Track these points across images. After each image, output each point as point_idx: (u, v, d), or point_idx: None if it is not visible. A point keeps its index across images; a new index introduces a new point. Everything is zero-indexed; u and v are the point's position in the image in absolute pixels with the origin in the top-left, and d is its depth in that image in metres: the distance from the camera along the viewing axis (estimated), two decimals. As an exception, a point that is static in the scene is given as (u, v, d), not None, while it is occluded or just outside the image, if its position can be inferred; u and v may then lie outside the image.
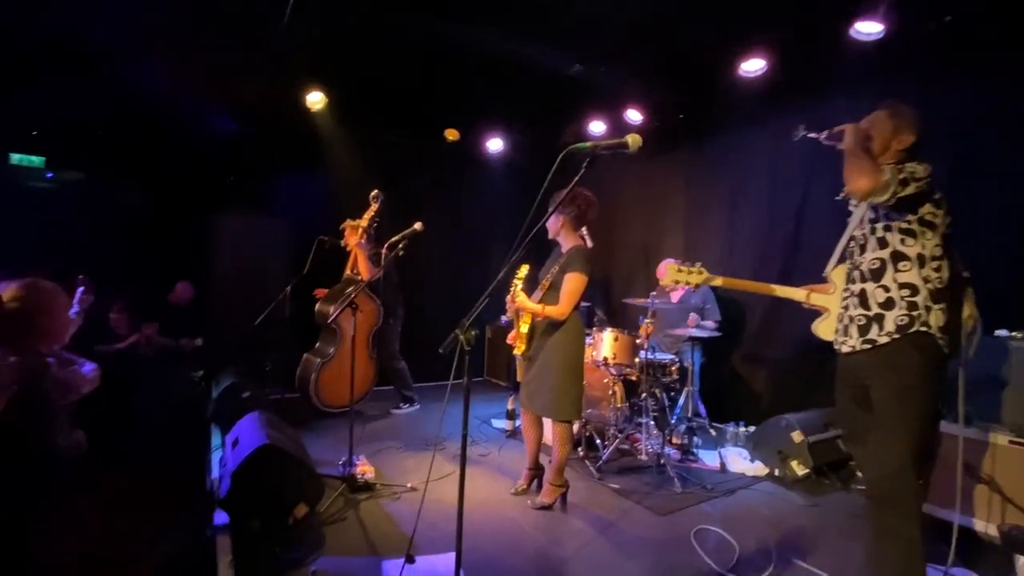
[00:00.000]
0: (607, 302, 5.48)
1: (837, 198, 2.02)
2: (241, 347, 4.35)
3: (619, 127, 4.79)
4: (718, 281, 2.24)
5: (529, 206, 1.76)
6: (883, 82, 3.49)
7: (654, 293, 3.70)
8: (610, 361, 3.54)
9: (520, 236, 1.71)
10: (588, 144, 1.45)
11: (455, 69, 4.26)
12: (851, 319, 1.90)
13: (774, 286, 2.19)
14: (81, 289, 2.85)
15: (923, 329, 1.75)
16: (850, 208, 2.05)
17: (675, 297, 4.20)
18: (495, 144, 5.78)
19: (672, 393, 3.81)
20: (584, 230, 2.91)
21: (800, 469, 3.22)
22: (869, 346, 1.82)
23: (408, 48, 3.95)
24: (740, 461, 3.54)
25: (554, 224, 2.81)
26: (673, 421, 3.77)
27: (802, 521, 2.80)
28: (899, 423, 1.75)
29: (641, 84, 4.42)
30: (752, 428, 3.73)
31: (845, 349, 1.90)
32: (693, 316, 3.94)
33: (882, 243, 1.84)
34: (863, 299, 1.86)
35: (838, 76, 3.62)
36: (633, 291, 4.94)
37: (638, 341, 3.57)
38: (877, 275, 1.83)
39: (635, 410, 3.61)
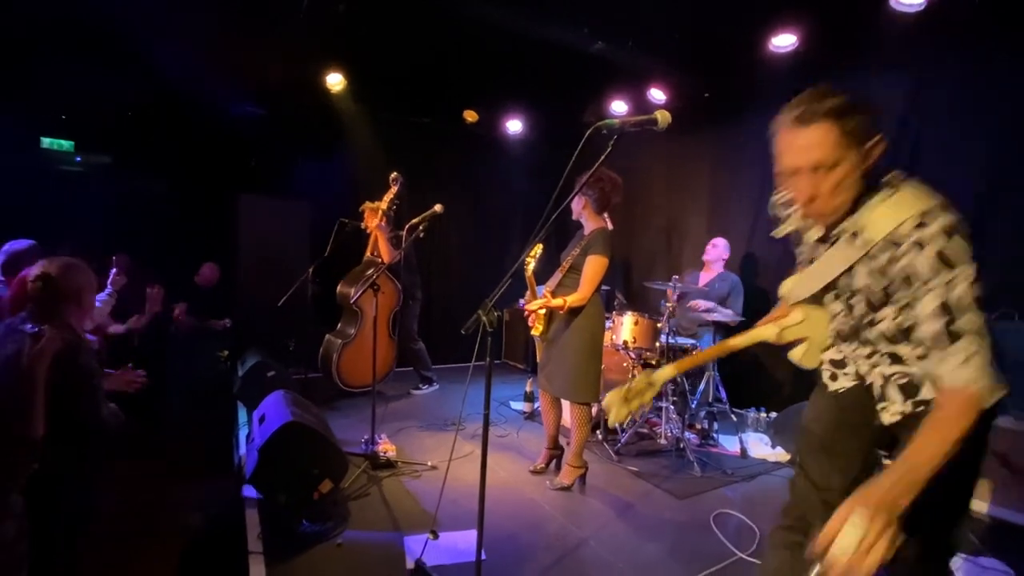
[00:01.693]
0: (627, 286, 5.43)
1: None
2: (265, 327, 4.44)
3: (642, 107, 4.69)
4: (668, 375, 1.60)
5: (548, 188, 1.74)
6: (922, 59, 3.35)
7: (676, 277, 3.65)
8: (630, 345, 3.52)
9: (544, 216, 1.69)
10: (616, 121, 1.41)
11: (474, 49, 4.20)
12: (885, 378, 1.36)
13: (731, 343, 1.62)
14: (114, 271, 2.92)
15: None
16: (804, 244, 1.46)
17: (705, 278, 4.14)
18: (514, 126, 5.72)
19: (692, 378, 3.79)
20: (606, 213, 2.87)
21: (823, 455, 3.17)
22: (922, 408, 1.29)
23: (427, 28, 3.90)
24: (761, 447, 3.52)
25: (577, 205, 2.78)
26: (693, 406, 3.75)
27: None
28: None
29: (665, 62, 4.30)
30: (773, 414, 3.69)
31: (887, 418, 1.35)
32: (698, 302, 3.87)
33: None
34: (896, 359, 1.35)
35: (875, 52, 3.47)
36: (654, 275, 4.89)
37: (659, 325, 3.54)
38: (910, 334, 1.28)
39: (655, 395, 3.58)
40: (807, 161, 1.16)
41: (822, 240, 1.33)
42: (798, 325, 1.53)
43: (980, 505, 2.58)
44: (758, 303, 4.19)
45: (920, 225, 1.10)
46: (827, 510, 1.33)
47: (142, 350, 4.01)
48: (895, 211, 1.14)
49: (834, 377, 1.49)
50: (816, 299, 1.43)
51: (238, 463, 2.96)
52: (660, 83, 4.52)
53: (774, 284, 4.19)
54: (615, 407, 1.52)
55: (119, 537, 2.25)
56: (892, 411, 1.35)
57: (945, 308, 1.09)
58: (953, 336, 1.08)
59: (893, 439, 1.38)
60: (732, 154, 4.60)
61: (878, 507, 0.96)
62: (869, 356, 1.39)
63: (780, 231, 1.50)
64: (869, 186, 1.18)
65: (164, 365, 4.07)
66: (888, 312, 1.28)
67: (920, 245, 1.10)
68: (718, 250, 4.13)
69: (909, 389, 1.33)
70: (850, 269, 1.28)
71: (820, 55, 3.66)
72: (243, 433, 3.27)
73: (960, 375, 1.07)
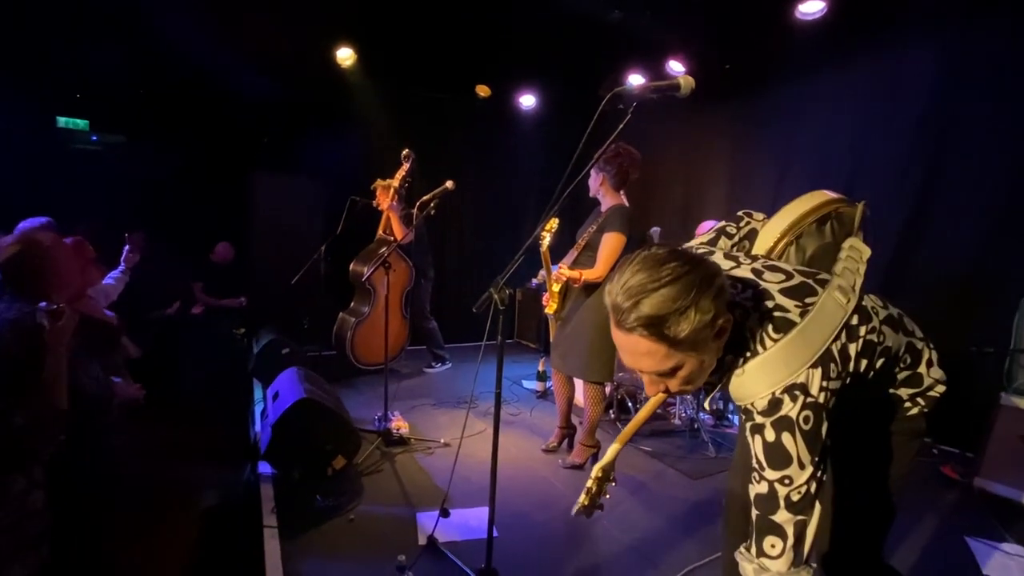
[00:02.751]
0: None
1: None
2: (279, 305, 4.47)
3: (660, 79, 4.52)
4: (612, 454, 1.60)
5: (562, 163, 1.67)
6: (957, 27, 3.15)
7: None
8: (644, 324, 3.46)
9: (558, 191, 1.63)
10: (635, 87, 1.34)
11: (486, 21, 4.08)
12: None
13: (642, 415, 1.66)
14: (127, 248, 2.94)
15: None
16: None
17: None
18: (528, 100, 5.59)
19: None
20: (623, 190, 2.79)
21: (840, 438, 3.12)
22: None
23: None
24: (777, 428, 3.47)
25: (594, 182, 2.70)
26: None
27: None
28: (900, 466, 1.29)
29: (684, 31, 4.13)
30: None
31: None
32: None
33: None
34: None
35: (910, 20, 3.28)
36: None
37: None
38: None
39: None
40: (641, 367, 1.01)
41: None
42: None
43: (1007, 491, 2.51)
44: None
45: (765, 412, 1.00)
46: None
47: (161, 331, 4.08)
48: (754, 385, 1.02)
49: None
50: None
51: (253, 439, 3.01)
52: (679, 54, 4.35)
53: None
54: (588, 502, 1.52)
55: (136, 511, 2.30)
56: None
57: (772, 498, 0.99)
58: (768, 528, 1.00)
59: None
60: (753, 129, 4.44)
61: None
62: None
63: None
64: (732, 351, 1.05)
65: (179, 342, 4.13)
66: None
67: (759, 432, 1.00)
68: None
69: None
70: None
71: (849, 23, 3.48)
72: (258, 409, 3.31)
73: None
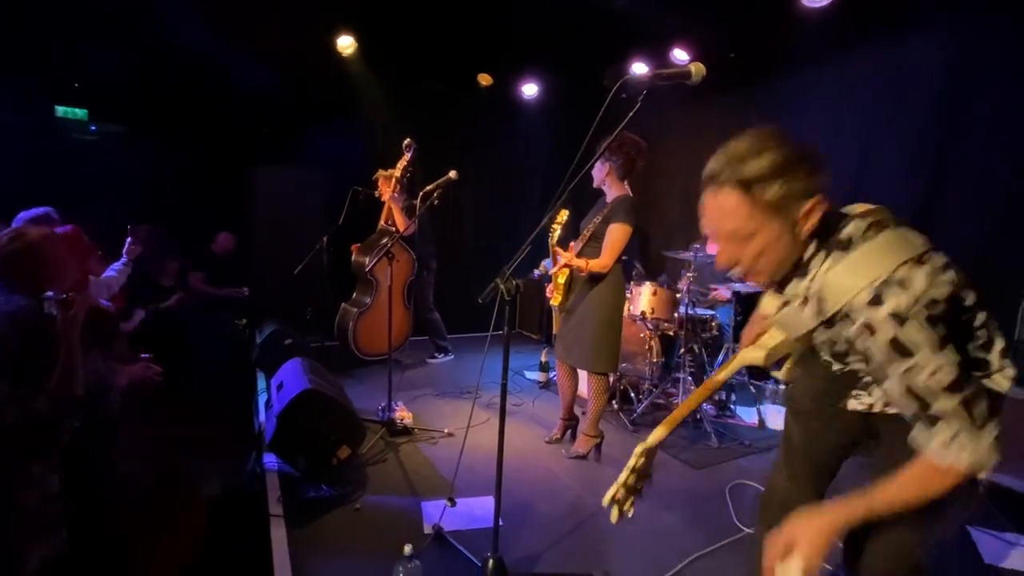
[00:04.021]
0: (646, 255, 5.33)
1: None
2: (282, 296, 4.46)
3: (664, 68, 4.49)
4: (659, 437, 1.51)
5: (566, 153, 1.66)
6: (968, 17, 3.11)
7: (696, 245, 3.56)
8: (648, 315, 3.46)
9: (564, 182, 1.62)
10: (645, 75, 1.32)
11: (488, 9, 4.03)
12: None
13: (717, 378, 1.56)
14: (129, 240, 2.93)
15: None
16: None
17: (711, 249, 4.04)
18: (530, 89, 5.54)
19: (710, 349, 3.73)
20: (627, 180, 2.77)
21: (843, 428, 3.13)
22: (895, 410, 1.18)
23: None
24: (779, 418, 3.47)
25: (600, 172, 2.68)
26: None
27: (841, 479, 2.74)
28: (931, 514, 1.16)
29: (689, 19, 4.08)
30: (793, 386, 3.63)
31: (854, 405, 1.28)
32: (721, 292, 3.80)
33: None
34: None
35: (918, 11, 3.24)
36: (674, 244, 4.78)
37: (678, 295, 3.47)
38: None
39: (672, 365, 3.56)
40: (720, 228, 1.04)
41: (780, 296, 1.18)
42: (782, 344, 1.39)
43: (1010, 481, 2.53)
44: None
45: (873, 302, 0.95)
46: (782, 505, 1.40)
47: (162, 321, 4.08)
48: (850, 277, 0.99)
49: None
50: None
51: (258, 429, 3.01)
52: (683, 43, 4.30)
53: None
54: (621, 504, 1.41)
55: (141, 502, 2.31)
56: (862, 401, 1.26)
57: (913, 394, 0.97)
58: (931, 420, 0.97)
59: (874, 430, 1.30)
60: (758, 119, 4.39)
61: (819, 533, 1.00)
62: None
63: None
64: (821, 244, 1.04)
65: (182, 334, 4.13)
66: (857, 363, 1.17)
67: (871, 330, 0.96)
68: None
69: None
70: (809, 337, 1.14)
71: (856, 13, 3.43)
72: (262, 400, 3.31)
73: (944, 455, 0.97)
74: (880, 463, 1.23)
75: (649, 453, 1.44)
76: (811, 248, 1.04)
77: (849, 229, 1.03)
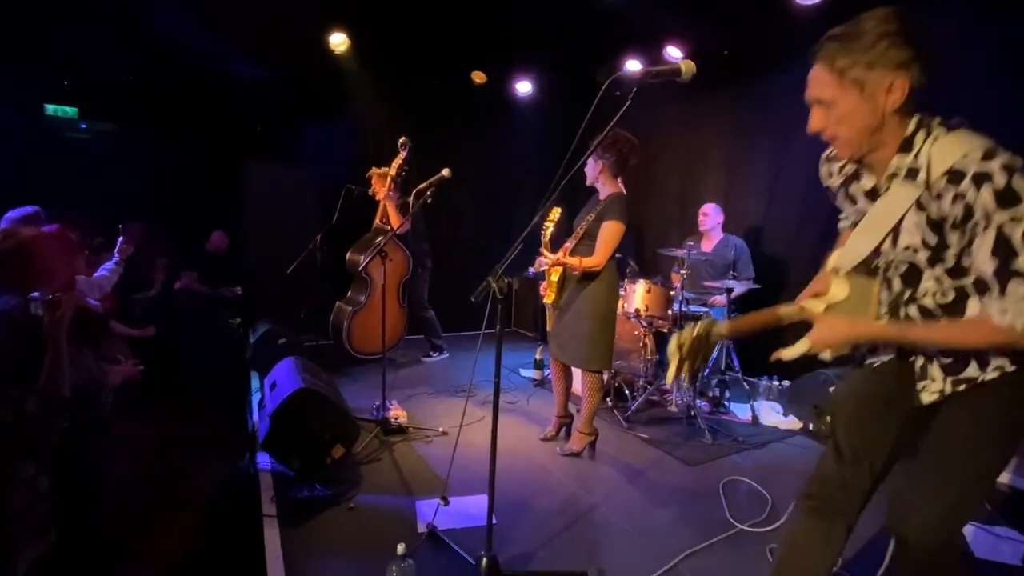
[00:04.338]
0: (639, 253, 5.34)
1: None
2: (276, 295, 4.45)
3: (658, 65, 4.48)
4: (723, 333, 1.52)
5: (560, 150, 1.66)
6: (960, 15, 3.12)
7: (690, 243, 3.57)
8: (642, 313, 3.47)
9: (556, 180, 1.61)
10: (635, 73, 1.32)
11: (481, 6, 4.01)
12: (927, 356, 1.27)
13: (780, 311, 1.50)
14: (121, 239, 2.91)
15: None
16: (854, 194, 1.36)
17: (707, 247, 4.06)
18: (524, 87, 5.53)
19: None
20: (620, 177, 2.77)
21: (836, 424, 3.14)
22: (964, 386, 1.22)
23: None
24: (773, 415, 3.49)
25: (592, 170, 2.68)
26: (705, 374, 3.72)
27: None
28: (984, 478, 1.27)
29: (682, 16, 4.09)
30: (786, 383, 3.65)
31: (927, 398, 1.27)
32: (717, 297, 3.81)
33: (956, 272, 1.17)
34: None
35: (908, 7, 3.25)
36: (668, 241, 4.78)
37: (671, 293, 3.48)
38: (954, 309, 1.20)
39: (666, 362, 3.56)
40: (810, 96, 1.23)
41: (871, 195, 1.27)
42: (842, 303, 1.39)
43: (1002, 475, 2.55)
44: (776, 269, 4.10)
45: (986, 157, 1.04)
46: (846, 490, 1.39)
47: (150, 319, 4.05)
48: (957, 146, 1.08)
49: (874, 350, 1.41)
50: (866, 265, 1.32)
51: (252, 429, 3.00)
52: (677, 40, 4.30)
53: (791, 250, 4.12)
54: (678, 364, 1.48)
55: (135, 502, 2.30)
56: (932, 390, 1.26)
57: (1004, 244, 1.03)
58: (1009, 275, 1.04)
59: (925, 424, 1.30)
60: (752, 115, 4.42)
61: (841, 331, 1.26)
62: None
63: (833, 183, 1.44)
64: (922, 123, 1.15)
65: (175, 333, 4.11)
66: (930, 282, 1.21)
67: (987, 176, 1.03)
68: (711, 217, 4.05)
69: (951, 367, 1.23)
70: (897, 229, 1.19)
71: (849, 10, 3.43)
72: (256, 399, 3.30)
73: (1005, 315, 1.05)
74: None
75: (712, 333, 1.46)
76: (912, 125, 1.16)
77: (938, 119, 1.16)
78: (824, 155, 1.45)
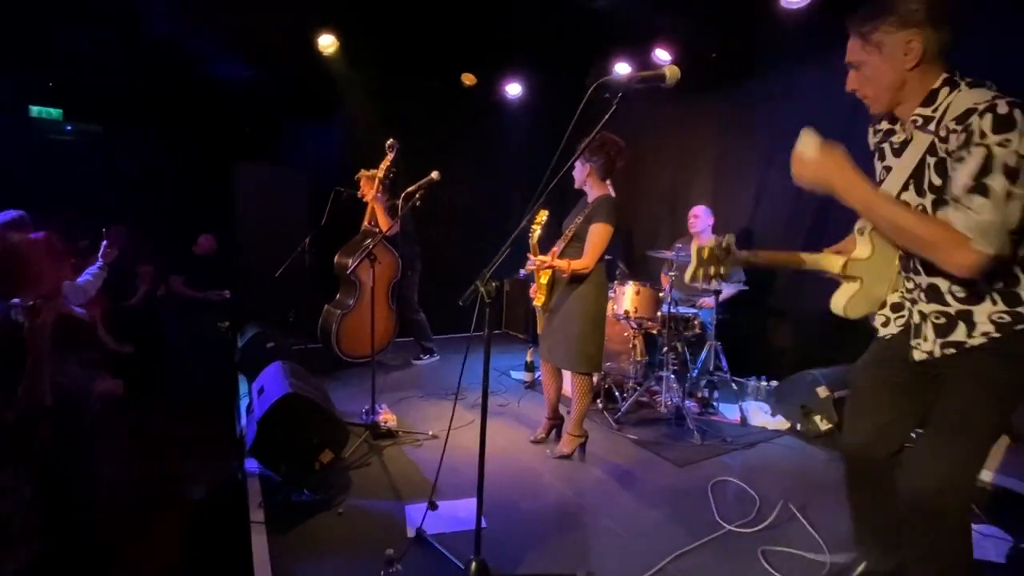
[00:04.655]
0: (629, 255, 5.36)
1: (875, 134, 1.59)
2: (264, 298, 4.41)
3: (647, 67, 4.49)
4: (744, 260, 1.66)
5: (550, 153, 1.66)
6: (953, 11, 3.17)
7: (679, 245, 3.59)
8: (631, 314, 3.48)
9: (543, 183, 1.62)
10: (621, 77, 1.33)
11: (471, 8, 4.02)
12: (923, 316, 1.43)
13: (803, 256, 1.65)
14: (105, 243, 2.87)
15: None
16: (882, 146, 1.53)
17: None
18: (514, 89, 5.54)
19: (693, 347, 3.77)
20: (609, 179, 2.79)
21: (823, 424, 3.18)
22: (953, 351, 1.37)
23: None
24: (761, 415, 3.52)
25: (580, 173, 2.69)
26: (694, 375, 3.74)
27: (822, 474, 2.79)
28: (984, 429, 1.38)
29: (671, 19, 4.12)
30: (774, 383, 3.68)
31: (918, 356, 1.44)
32: (706, 300, 3.82)
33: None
34: (934, 294, 1.40)
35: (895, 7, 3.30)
36: (657, 243, 4.81)
37: (660, 295, 3.49)
38: None
39: (655, 364, 3.58)
40: (847, 59, 1.43)
41: (900, 150, 1.43)
42: (862, 262, 1.56)
43: (984, 474, 2.58)
44: (764, 272, 4.13)
45: (996, 97, 1.20)
46: (862, 467, 1.65)
47: (137, 325, 4.01)
48: (973, 96, 1.23)
49: (886, 323, 1.59)
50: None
51: (240, 434, 2.98)
52: (665, 43, 4.33)
53: (780, 248, 4.14)
54: (695, 268, 1.59)
55: (122, 508, 2.27)
56: (923, 349, 1.43)
57: (987, 164, 1.16)
58: (979, 190, 1.18)
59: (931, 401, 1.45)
60: (740, 117, 4.46)
61: (830, 173, 1.37)
62: (911, 291, 1.48)
63: (872, 142, 1.60)
64: (946, 82, 1.31)
65: (163, 337, 4.07)
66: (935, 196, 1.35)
67: (992, 107, 1.18)
68: (701, 219, 4.09)
69: (942, 329, 1.39)
70: (912, 176, 1.35)
71: (834, 11, 3.47)
72: (244, 404, 3.27)
73: (963, 224, 1.19)
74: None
75: (731, 253, 1.59)
76: (939, 82, 1.31)
77: (961, 77, 1.32)
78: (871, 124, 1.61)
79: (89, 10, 3.75)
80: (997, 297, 1.32)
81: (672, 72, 1.29)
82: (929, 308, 1.41)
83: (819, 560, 2.02)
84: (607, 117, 1.41)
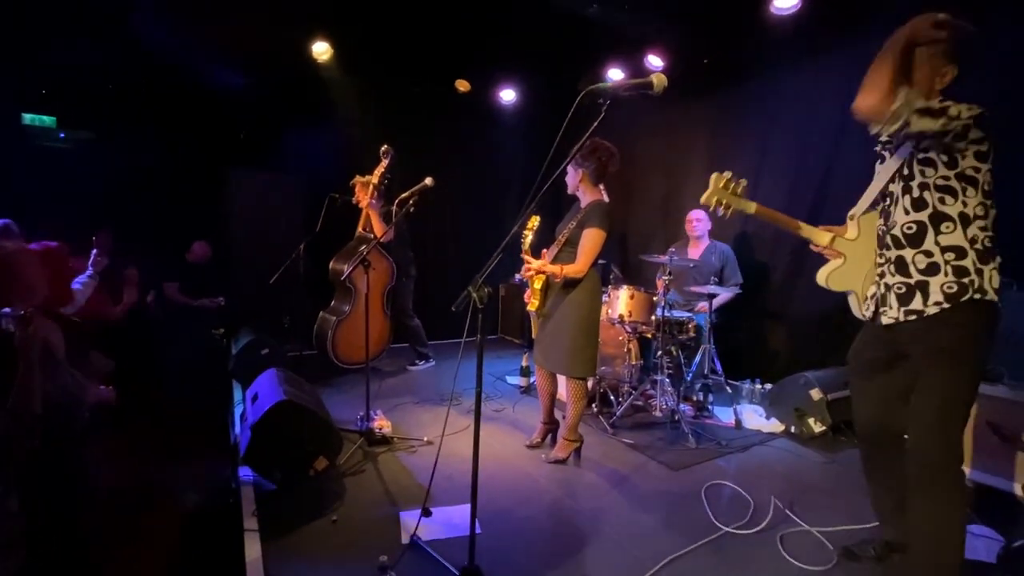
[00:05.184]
0: (623, 259, 5.38)
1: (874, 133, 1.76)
2: (259, 305, 4.40)
3: (639, 73, 4.55)
4: (752, 208, 2.00)
5: (543, 158, 1.67)
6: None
7: (672, 249, 3.61)
8: (625, 319, 3.50)
9: (534, 189, 1.63)
10: (609, 84, 1.35)
11: (464, 14, 4.05)
12: (888, 287, 1.72)
13: (801, 224, 1.98)
14: (95, 252, 2.86)
15: (978, 296, 1.59)
16: (882, 152, 1.82)
17: (694, 253, 4.10)
18: (508, 95, 5.57)
19: (688, 351, 3.78)
20: (602, 184, 2.80)
21: (817, 426, 3.19)
22: (914, 317, 1.66)
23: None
24: (755, 418, 3.53)
25: (573, 178, 2.71)
26: (688, 378, 3.75)
27: (817, 477, 2.81)
28: (952, 393, 1.62)
29: (663, 26, 4.16)
30: (769, 386, 3.70)
31: (885, 320, 1.73)
32: (703, 304, 3.84)
33: (919, 204, 1.64)
34: (901, 266, 1.69)
35: (881, 12, 3.34)
36: (651, 248, 4.83)
37: (655, 299, 3.51)
38: (915, 240, 1.66)
39: (650, 367, 3.59)
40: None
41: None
42: (848, 242, 1.86)
43: (976, 475, 2.60)
44: (758, 276, 4.16)
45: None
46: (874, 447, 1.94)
47: (126, 333, 3.97)
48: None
49: (867, 308, 1.85)
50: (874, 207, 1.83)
51: (234, 441, 2.97)
52: (658, 49, 4.37)
53: (771, 255, 4.17)
54: (714, 191, 1.95)
55: (115, 515, 2.26)
56: (889, 316, 1.72)
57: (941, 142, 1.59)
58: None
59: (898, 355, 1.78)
60: (732, 121, 4.49)
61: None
62: (881, 266, 1.75)
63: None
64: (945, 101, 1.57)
65: (155, 345, 4.05)
66: (900, 209, 1.68)
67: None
68: (702, 223, 4.11)
69: (903, 298, 1.68)
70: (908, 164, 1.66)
71: (823, 17, 3.53)
72: (238, 411, 3.26)
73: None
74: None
75: (740, 190, 2.01)
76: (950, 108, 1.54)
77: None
78: None
79: (82, 17, 3.75)
80: (948, 269, 1.61)
81: (659, 80, 1.31)
82: (894, 280, 1.70)
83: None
84: (595, 124, 1.42)
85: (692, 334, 3.68)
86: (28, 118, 4.42)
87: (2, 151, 4.16)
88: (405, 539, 2.10)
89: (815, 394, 3.17)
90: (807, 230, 1.93)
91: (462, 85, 5.29)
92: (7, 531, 1.62)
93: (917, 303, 1.64)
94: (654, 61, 4.42)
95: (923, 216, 1.63)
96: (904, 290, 1.67)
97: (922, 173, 1.63)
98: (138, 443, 2.91)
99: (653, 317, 3.50)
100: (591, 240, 2.62)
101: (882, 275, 1.76)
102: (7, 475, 1.65)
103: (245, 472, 2.48)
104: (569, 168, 2.71)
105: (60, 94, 4.39)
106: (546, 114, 5.57)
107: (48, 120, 4.51)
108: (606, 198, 2.81)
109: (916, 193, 1.63)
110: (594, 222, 2.62)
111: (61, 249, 2.41)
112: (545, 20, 4.01)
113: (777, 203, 4.08)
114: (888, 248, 1.72)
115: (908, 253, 1.66)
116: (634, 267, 5.10)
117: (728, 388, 3.74)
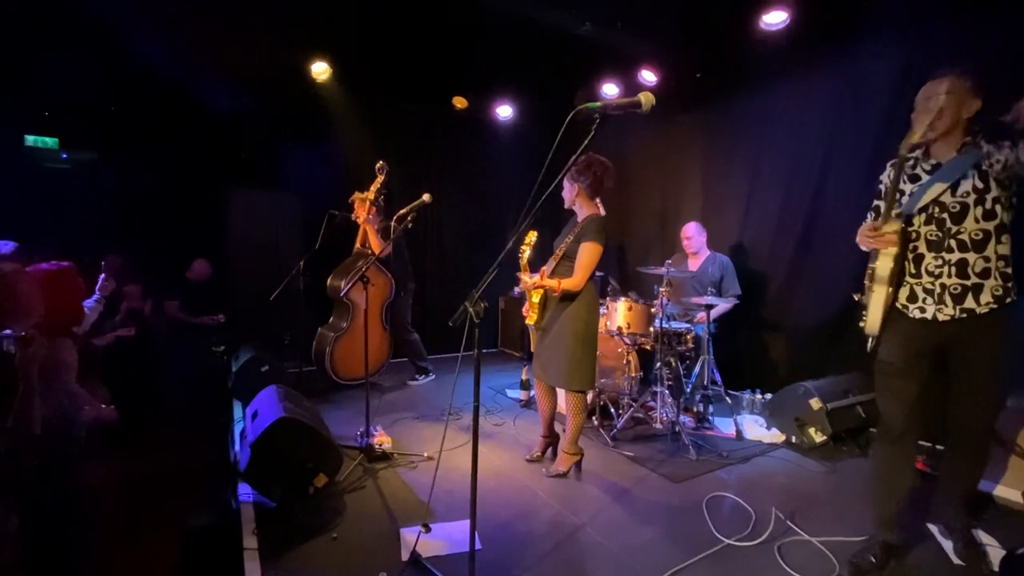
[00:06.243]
0: (621, 271, 5.41)
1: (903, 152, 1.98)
2: (259, 322, 4.42)
3: (633, 89, 4.62)
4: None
5: (540, 173, 1.71)
6: (916, 34, 3.28)
7: (669, 261, 3.64)
8: (624, 330, 3.51)
9: (528, 204, 1.66)
10: (598, 103, 1.38)
11: (461, 34, 4.12)
12: (944, 287, 1.94)
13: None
14: (103, 276, 2.89)
15: (1012, 299, 1.89)
16: (920, 173, 2.01)
17: (693, 265, 4.13)
18: (505, 111, 5.64)
19: (687, 362, 3.79)
20: (598, 198, 2.84)
21: (818, 436, 3.19)
22: (966, 315, 1.91)
23: (412, 12, 3.82)
24: (756, 428, 3.53)
25: (569, 193, 2.75)
26: (688, 390, 3.76)
27: (818, 487, 2.80)
28: (1004, 373, 1.95)
29: (655, 43, 4.23)
30: (769, 396, 3.70)
31: (941, 317, 1.94)
32: (702, 315, 3.84)
33: (990, 215, 1.87)
34: (961, 269, 1.91)
35: (868, 28, 3.42)
36: (648, 260, 4.86)
37: (652, 310, 3.53)
38: (980, 246, 1.88)
39: (650, 379, 3.60)
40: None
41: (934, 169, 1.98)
42: (891, 234, 1.98)
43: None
44: (755, 285, 4.18)
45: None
46: (908, 416, 2.05)
47: (125, 352, 3.97)
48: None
49: (921, 309, 2.01)
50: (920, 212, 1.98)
51: (233, 459, 2.96)
52: (650, 65, 4.45)
53: (768, 264, 4.20)
54: None
55: (115, 533, 2.25)
56: (945, 312, 1.94)
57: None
58: None
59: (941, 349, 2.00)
60: (725, 134, 4.56)
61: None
62: (939, 267, 1.94)
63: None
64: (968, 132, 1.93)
65: (155, 362, 4.05)
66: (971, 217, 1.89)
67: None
68: (695, 239, 4.12)
69: (958, 297, 1.91)
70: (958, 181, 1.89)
71: (811, 32, 3.60)
72: (238, 429, 3.26)
73: None
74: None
75: None
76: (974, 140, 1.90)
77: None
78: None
79: (84, 39, 3.82)
80: (997, 275, 1.89)
81: (647, 99, 1.34)
82: (951, 281, 1.93)
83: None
84: (587, 141, 1.46)
85: (691, 345, 3.69)
86: (31, 140, 4.48)
87: (5, 172, 4.21)
88: (405, 556, 2.09)
89: (815, 403, 3.18)
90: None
91: (459, 102, 5.36)
92: (6, 553, 1.62)
93: (970, 302, 1.90)
94: (647, 76, 4.49)
95: (990, 226, 1.88)
96: (959, 290, 1.92)
97: (998, 188, 1.87)
98: (137, 460, 2.91)
99: (652, 328, 3.51)
100: (587, 254, 2.65)
101: (938, 276, 1.96)
102: (7, 497, 1.65)
103: (245, 490, 2.48)
104: (565, 183, 2.75)
105: (62, 116, 4.45)
106: (543, 130, 5.64)
107: (51, 141, 4.57)
108: (603, 212, 2.85)
109: (989, 206, 1.87)
110: (590, 236, 2.65)
111: (72, 268, 2.43)
112: (540, 38, 4.08)
113: (771, 213, 4.19)
114: (951, 251, 1.93)
115: (971, 257, 1.89)
116: (633, 279, 5.13)
117: (728, 399, 3.74)
